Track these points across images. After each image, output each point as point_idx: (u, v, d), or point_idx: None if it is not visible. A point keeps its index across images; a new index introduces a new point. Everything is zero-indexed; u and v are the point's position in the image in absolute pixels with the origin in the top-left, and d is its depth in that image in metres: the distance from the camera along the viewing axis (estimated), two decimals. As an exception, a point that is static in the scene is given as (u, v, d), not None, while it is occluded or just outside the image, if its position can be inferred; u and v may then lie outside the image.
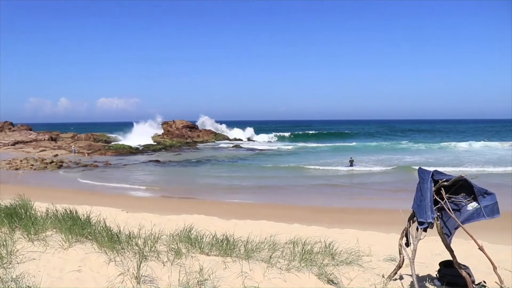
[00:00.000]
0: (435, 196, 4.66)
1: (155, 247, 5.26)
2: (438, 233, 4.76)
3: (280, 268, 5.05)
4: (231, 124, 72.24)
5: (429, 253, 7.04)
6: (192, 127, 62.65)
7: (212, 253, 5.42)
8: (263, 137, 68.53)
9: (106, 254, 4.99)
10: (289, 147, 50.56)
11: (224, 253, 5.35)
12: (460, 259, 5.69)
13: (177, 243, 5.52)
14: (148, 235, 5.66)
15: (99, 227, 5.78)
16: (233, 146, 53.12)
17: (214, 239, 5.78)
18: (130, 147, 47.58)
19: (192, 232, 6.15)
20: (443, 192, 4.62)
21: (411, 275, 5.92)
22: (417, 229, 4.67)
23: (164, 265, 4.89)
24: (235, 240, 5.74)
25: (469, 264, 5.70)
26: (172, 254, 5.13)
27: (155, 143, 53.26)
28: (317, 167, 29.08)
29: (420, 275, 6.06)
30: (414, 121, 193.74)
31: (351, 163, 28.61)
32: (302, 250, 5.61)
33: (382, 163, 31.22)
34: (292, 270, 5.05)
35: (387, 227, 9.95)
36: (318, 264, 5.24)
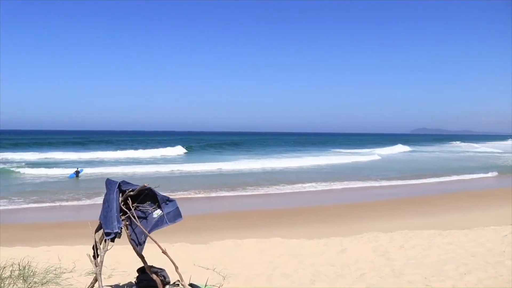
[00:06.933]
0: (124, 206, 4.82)
1: None
2: (129, 241, 4.95)
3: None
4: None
5: (134, 261, 7.24)
6: None
7: None
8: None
9: None
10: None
11: None
12: (161, 264, 6.03)
13: None
14: None
15: None
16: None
17: None
18: None
19: None
20: (129, 202, 4.81)
21: (111, 286, 6.03)
22: (105, 240, 4.74)
23: None
24: None
25: (168, 266, 6.08)
26: None
27: None
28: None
29: (121, 284, 6.19)
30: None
31: (77, 174, 27.67)
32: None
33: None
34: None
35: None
36: (4, 290, 4.80)
